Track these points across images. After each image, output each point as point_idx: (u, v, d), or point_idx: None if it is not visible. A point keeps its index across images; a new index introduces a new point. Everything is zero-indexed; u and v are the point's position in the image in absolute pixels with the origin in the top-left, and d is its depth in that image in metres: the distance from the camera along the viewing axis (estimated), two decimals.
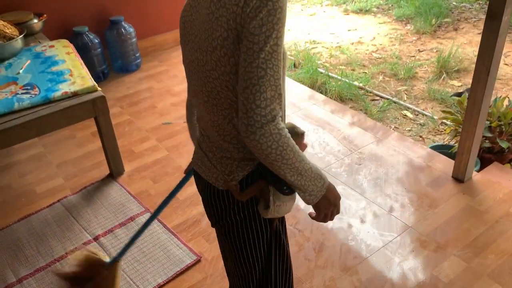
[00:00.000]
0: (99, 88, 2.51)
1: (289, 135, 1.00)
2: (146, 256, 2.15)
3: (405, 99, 3.97)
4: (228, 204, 1.18)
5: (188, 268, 2.09)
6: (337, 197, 1.14)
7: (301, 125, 3.06)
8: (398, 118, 3.68)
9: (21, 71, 2.71)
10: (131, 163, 2.79)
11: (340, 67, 4.53)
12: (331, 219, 1.16)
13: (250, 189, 1.13)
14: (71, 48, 3.01)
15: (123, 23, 3.78)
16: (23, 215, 2.43)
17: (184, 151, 2.87)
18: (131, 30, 3.83)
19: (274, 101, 0.97)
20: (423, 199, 2.37)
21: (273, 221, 1.22)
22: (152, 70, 3.99)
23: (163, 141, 3.01)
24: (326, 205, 1.12)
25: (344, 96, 3.97)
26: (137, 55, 3.97)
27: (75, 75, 2.62)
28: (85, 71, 2.68)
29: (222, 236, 1.27)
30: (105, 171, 2.72)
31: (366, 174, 2.56)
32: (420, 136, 3.44)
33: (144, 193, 2.56)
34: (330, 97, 3.88)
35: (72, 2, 3.70)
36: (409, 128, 3.56)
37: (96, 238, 2.26)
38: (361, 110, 3.82)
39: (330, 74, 4.25)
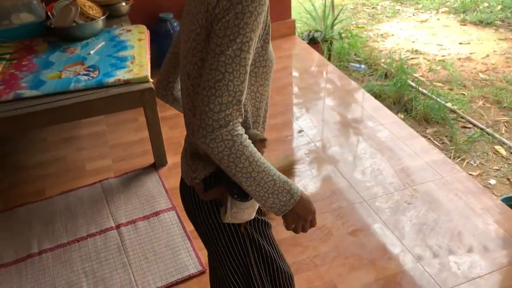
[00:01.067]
0: (150, 80, 2.53)
1: (248, 143, 0.96)
2: (156, 256, 2.13)
3: (503, 132, 3.42)
4: (198, 202, 1.16)
5: (190, 277, 2.02)
6: (309, 212, 1.06)
7: (358, 147, 2.80)
8: (487, 153, 3.19)
9: (92, 52, 2.85)
10: (176, 156, 2.80)
11: (437, 84, 4.06)
12: (304, 231, 1.09)
13: (213, 190, 1.11)
14: (145, 34, 3.08)
15: None
16: (66, 189, 2.58)
17: None
18: None
19: (230, 107, 0.93)
20: (472, 261, 2.00)
21: (240, 225, 1.16)
22: None
23: None
24: (294, 218, 1.06)
25: (430, 117, 3.56)
26: None
27: (135, 63, 2.68)
28: (146, 60, 2.72)
29: (200, 237, 1.25)
30: (151, 160, 2.76)
31: (412, 216, 2.24)
32: (508, 179, 2.94)
33: (177, 188, 2.54)
34: (413, 116, 3.51)
35: None
36: (497, 168, 3.07)
37: (118, 227, 2.30)
38: (445, 136, 3.39)
39: (421, 89, 3.83)
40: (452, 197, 2.34)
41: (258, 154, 0.97)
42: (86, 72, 2.59)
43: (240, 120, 0.95)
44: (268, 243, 1.23)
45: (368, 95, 3.41)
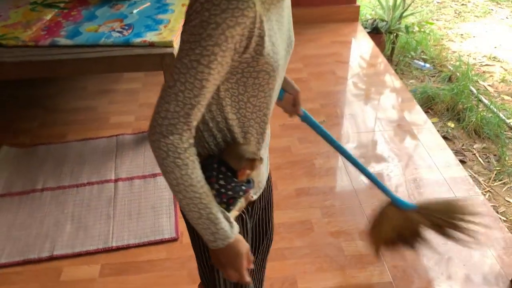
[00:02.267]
0: (175, 45, 2.57)
1: (186, 162, 0.87)
2: (139, 215, 2.21)
3: None
4: None
5: (162, 241, 2.07)
6: (232, 264, 0.97)
7: (377, 148, 2.62)
8: None
9: (135, 11, 2.94)
10: None
11: (505, 96, 3.66)
12: (228, 278, 1.01)
13: None
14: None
15: None
16: (86, 137, 2.74)
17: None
18: None
19: (176, 118, 0.85)
20: None
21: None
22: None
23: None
24: (216, 261, 0.99)
25: (482, 131, 3.23)
26: None
27: (168, 27, 2.72)
28: (180, 25, 2.76)
29: None
30: None
31: None
32: None
33: None
34: (463, 127, 3.21)
35: None
36: None
37: (116, 180, 2.41)
38: (494, 155, 3.07)
39: (481, 98, 3.48)
40: None
41: (196, 180, 0.88)
42: (120, 30, 2.69)
43: (187, 135, 0.87)
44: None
45: (409, 96, 3.17)
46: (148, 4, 3.04)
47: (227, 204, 0.97)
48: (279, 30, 0.91)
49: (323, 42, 3.85)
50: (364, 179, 2.37)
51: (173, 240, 2.08)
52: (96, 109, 3.01)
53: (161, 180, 2.40)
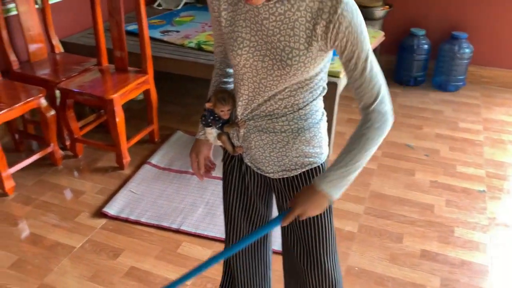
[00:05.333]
0: (341, 76, 2.65)
1: (213, 74, 1.34)
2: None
3: None
4: None
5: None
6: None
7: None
8: None
9: None
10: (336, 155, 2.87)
11: None
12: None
13: None
14: (375, 40, 3.16)
15: (464, 41, 3.53)
16: None
17: (386, 182, 2.67)
18: (468, 51, 3.52)
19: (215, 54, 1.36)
20: None
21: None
22: (463, 99, 3.62)
23: (384, 157, 2.87)
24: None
25: None
26: (461, 77, 3.66)
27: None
28: None
29: None
30: None
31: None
32: None
33: None
34: None
35: (420, 4, 3.72)
36: None
37: None
38: None
39: None
40: None
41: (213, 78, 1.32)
42: None
43: (217, 65, 1.31)
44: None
45: None
46: None
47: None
48: (248, 28, 1.08)
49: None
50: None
51: (280, 253, 2.15)
52: None
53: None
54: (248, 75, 1.12)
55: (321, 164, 1.25)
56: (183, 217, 2.36)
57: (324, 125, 1.24)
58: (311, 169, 1.23)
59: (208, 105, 1.24)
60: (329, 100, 2.65)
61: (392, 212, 2.42)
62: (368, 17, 3.59)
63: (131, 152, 2.85)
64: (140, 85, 2.78)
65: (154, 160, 2.82)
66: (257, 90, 1.13)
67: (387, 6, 3.64)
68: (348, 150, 1.09)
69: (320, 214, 1.27)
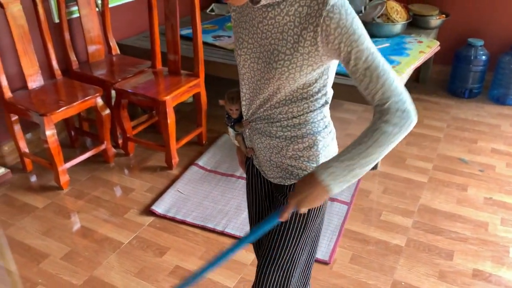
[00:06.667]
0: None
1: None
2: None
3: None
4: None
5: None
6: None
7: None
8: None
9: None
10: (390, 167, 2.80)
11: None
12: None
13: None
14: (431, 49, 3.08)
15: None
16: None
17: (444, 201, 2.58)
18: None
19: None
20: None
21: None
22: None
23: (435, 170, 2.78)
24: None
25: None
26: None
27: (396, 68, 2.77)
28: (408, 69, 2.77)
29: None
30: None
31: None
32: None
33: (364, 202, 2.60)
34: None
35: (479, 14, 3.58)
36: None
37: None
38: None
39: None
40: None
41: None
42: None
43: None
44: None
45: None
46: (387, 44, 3.15)
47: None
48: (247, 30, 1.10)
49: None
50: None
51: (324, 263, 2.12)
52: None
53: (335, 206, 2.46)
54: (247, 75, 1.14)
55: None
56: (227, 219, 2.38)
57: (326, 140, 1.18)
58: None
59: (221, 102, 1.29)
60: None
61: (442, 228, 2.33)
62: (423, 26, 3.50)
63: (180, 153, 2.91)
64: (192, 88, 2.83)
65: (201, 162, 2.86)
66: (255, 91, 1.14)
67: (443, 15, 3.53)
68: (358, 143, 1.00)
69: (291, 222, 1.21)
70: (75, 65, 2.95)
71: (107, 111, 2.72)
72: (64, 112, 2.50)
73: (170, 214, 2.42)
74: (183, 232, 2.32)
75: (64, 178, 2.63)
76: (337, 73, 2.73)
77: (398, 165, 2.85)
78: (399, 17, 3.30)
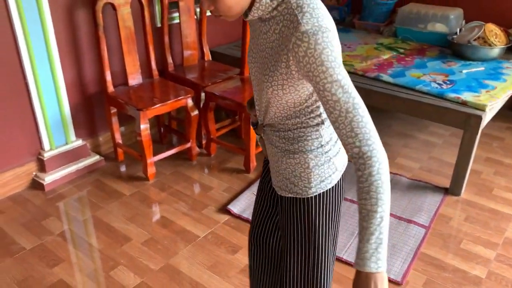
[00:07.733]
0: (487, 110, 2.48)
1: None
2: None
3: None
4: None
5: None
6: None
7: None
8: None
9: (465, 71, 2.98)
10: (474, 195, 2.67)
11: None
12: None
13: None
14: None
15: None
16: None
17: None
18: None
19: None
20: None
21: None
22: None
23: None
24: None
25: None
26: None
27: (491, 92, 2.65)
28: (504, 95, 2.64)
29: None
30: (446, 182, 2.76)
31: None
32: None
33: (443, 223, 2.49)
34: None
35: None
36: None
37: None
38: None
39: None
40: None
41: None
42: (441, 82, 2.80)
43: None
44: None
45: None
46: (482, 68, 3.02)
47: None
48: (255, 44, 1.12)
49: None
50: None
51: (396, 283, 2.07)
52: (389, 147, 3.21)
53: (413, 229, 2.39)
54: (254, 83, 1.19)
55: (306, 199, 1.18)
56: (342, 246, 2.31)
57: (319, 160, 1.15)
58: (295, 198, 1.20)
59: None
60: (469, 134, 2.51)
61: None
62: None
63: (257, 158, 2.99)
64: None
65: None
66: (259, 98, 1.17)
67: None
68: (365, 214, 0.95)
69: (305, 254, 1.24)
70: (171, 67, 3.16)
71: (196, 112, 2.88)
72: (158, 109, 2.69)
73: (245, 215, 2.49)
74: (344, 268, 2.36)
75: (151, 170, 2.82)
76: (423, 92, 2.70)
77: (483, 194, 2.70)
78: (498, 41, 3.16)
